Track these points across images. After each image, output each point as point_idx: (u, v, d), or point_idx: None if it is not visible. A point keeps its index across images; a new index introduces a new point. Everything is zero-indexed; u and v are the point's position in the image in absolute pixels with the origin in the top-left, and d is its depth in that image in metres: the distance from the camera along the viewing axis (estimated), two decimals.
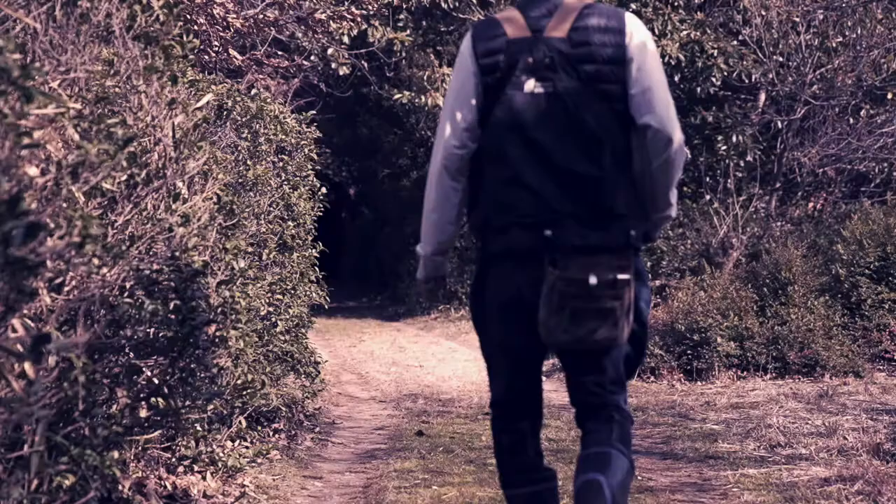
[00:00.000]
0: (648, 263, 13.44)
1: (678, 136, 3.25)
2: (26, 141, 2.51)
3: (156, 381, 3.66)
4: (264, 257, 6.51)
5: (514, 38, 3.25)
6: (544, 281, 3.13)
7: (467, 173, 3.37)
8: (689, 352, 9.64)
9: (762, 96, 15.54)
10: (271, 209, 6.79)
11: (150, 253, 3.58)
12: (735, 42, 15.15)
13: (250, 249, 5.86)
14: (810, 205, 15.66)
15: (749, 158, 15.20)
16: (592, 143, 3.19)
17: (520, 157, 3.21)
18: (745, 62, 14.82)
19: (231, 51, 10.40)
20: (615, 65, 3.19)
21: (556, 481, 3.41)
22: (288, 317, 6.94)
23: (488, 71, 3.26)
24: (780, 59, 14.56)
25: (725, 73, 14.93)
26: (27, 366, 2.48)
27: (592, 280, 3.10)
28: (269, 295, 6.41)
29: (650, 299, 3.47)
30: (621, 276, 3.13)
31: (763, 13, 14.41)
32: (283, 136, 7.39)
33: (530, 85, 3.21)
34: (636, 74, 3.20)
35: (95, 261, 3.03)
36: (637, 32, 3.24)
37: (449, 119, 3.32)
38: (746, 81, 15.00)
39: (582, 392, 3.35)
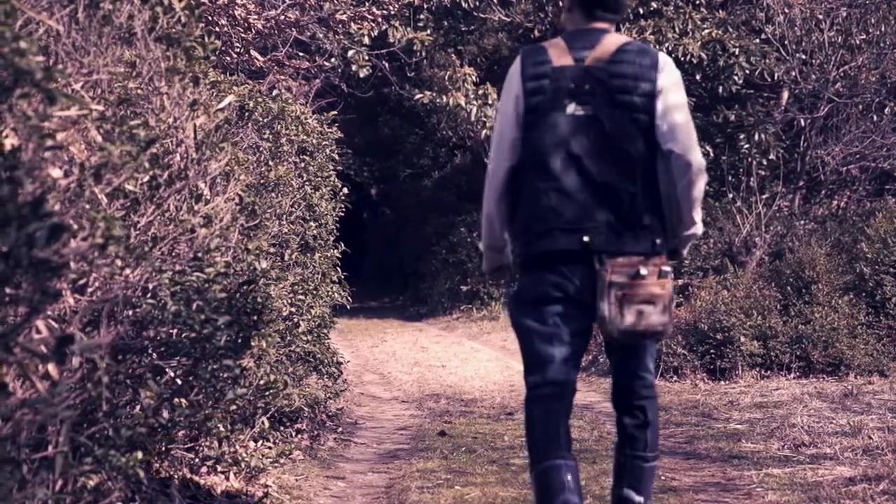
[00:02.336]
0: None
1: (697, 160, 3.65)
2: (49, 143, 2.52)
3: (179, 381, 3.67)
4: (286, 258, 6.51)
5: (559, 65, 3.66)
6: (594, 282, 3.58)
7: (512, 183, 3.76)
8: (712, 351, 9.60)
9: (785, 94, 15.46)
10: (293, 210, 6.79)
11: (173, 254, 3.59)
12: (757, 40, 15.07)
13: (272, 250, 5.87)
14: (834, 203, 15.57)
15: (772, 157, 15.11)
16: (626, 161, 3.61)
17: (562, 170, 3.62)
18: (767, 60, 14.74)
19: (252, 52, 10.42)
20: (646, 97, 3.60)
21: (576, 464, 3.65)
22: (310, 317, 6.94)
23: (534, 93, 3.66)
24: (803, 56, 14.48)
25: (748, 72, 14.85)
26: (51, 367, 2.49)
27: (643, 271, 3.55)
28: (292, 295, 6.41)
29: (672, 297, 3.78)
30: (664, 268, 3.61)
31: (786, 11, 14.34)
32: (305, 137, 7.40)
33: (572, 108, 3.63)
34: (663, 108, 3.61)
35: (118, 262, 3.04)
36: (667, 71, 3.66)
37: (499, 134, 3.75)
38: (769, 79, 14.92)
39: (625, 376, 3.80)
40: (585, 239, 3.57)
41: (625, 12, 3.81)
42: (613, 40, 3.69)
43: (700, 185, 3.71)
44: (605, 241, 3.58)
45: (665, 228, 3.72)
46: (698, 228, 3.82)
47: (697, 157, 3.66)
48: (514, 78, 3.72)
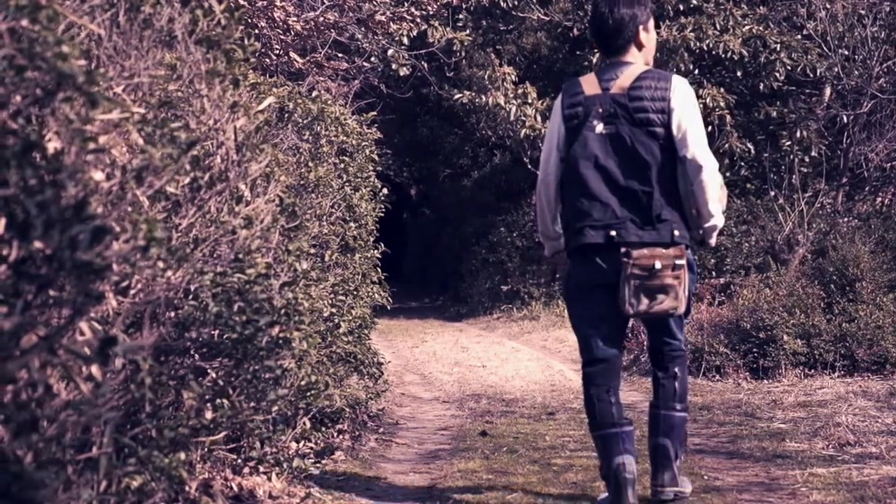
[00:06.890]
0: (713, 261, 13.36)
1: (708, 163, 4.41)
2: (92, 146, 2.53)
3: (221, 382, 3.68)
4: (327, 259, 6.53)
5: (590, 94, 4.52)
6: (621, 269, 4.37)
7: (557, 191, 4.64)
8: (755, 350, 9.53)
9: (827, 90, 15.30)
10: (333, 210, 6.81)
11: (214, 255, 3.60)
12: (799, 36, 14.93)
13: (313, 251, 5.88)
14: (878, 200, 15.40)
15: (814, 153, 14.96)
16: (644, 168, 4.42)
17: (592, 178, 4.45)
18: (809, 56, 14.60)
19: (292, 53, 10.47)
20: (661, 113, 4.41)
21: (633, 427, 4.61)
22: (351, 318, 6.95)
23: (571, 118, 4.55)
24: (846, 52, 14.34)
25: (789, 68, 14.71)
26: (95, 368, 2.50)
27: (658, 265, 4.33)
28: (332, 296, 6.42)
29: (695, 278, 4.65)
30: (678, 262, 4.38)
31: (827, 6, 14.21)
32: (345, 138, 7.41)
33: (599, 128, 4.47)
34: (677, 121, 4.40)
35: (160, 264, 3.05)
36: (679, 89, 4.45)
37: (546, 153, 4.65)
38: (811, 76, 14.77)
39: (656, 341, 4.70)
40: (612, 234, 4.39)
41: (629, 38, 4.53)
42: (635, 70, 4.49)
43: (714, 183, 4.44)
44: (628, 234, 4.38)
45: (686, 221, 4.48)
46: (718, 220, 4.55)
47: (708, 161, 4.41)
48: (557, 107, 4.62)
